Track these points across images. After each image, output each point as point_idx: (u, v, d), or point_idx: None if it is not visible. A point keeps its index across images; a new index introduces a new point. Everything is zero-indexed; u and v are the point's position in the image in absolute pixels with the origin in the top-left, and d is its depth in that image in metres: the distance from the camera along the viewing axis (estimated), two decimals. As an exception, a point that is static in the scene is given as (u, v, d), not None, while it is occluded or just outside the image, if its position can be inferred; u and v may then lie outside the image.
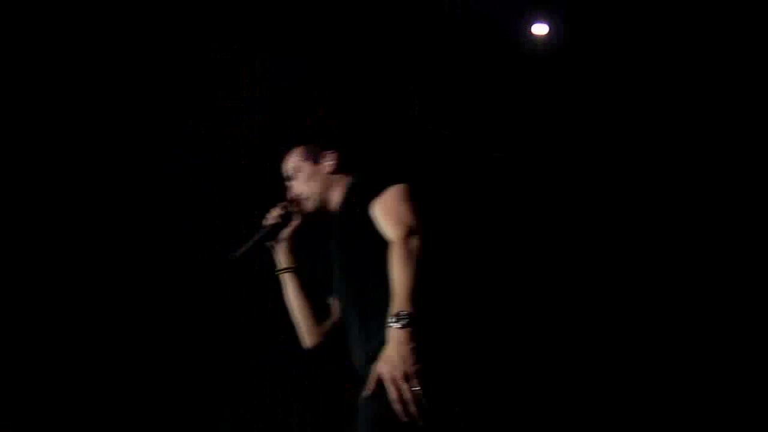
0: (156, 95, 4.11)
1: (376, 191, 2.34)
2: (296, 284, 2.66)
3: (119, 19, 3.91)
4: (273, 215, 2.63)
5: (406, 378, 2.05)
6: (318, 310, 2.65)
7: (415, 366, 2.05)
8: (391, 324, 2.09)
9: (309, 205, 2.62)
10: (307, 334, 2.66)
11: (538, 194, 4.50)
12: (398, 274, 2.15)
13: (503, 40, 4.34)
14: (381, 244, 2.25)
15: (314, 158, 2.65)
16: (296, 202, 2.63)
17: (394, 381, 2.05)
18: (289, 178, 2.67)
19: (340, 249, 2.48)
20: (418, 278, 2.14)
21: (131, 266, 4.25)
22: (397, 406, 2.06)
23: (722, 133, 4.34)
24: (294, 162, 2.67)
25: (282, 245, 2.66)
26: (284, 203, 2.63)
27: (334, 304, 2.64)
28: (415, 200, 2.30)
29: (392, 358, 2.07)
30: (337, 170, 2.63)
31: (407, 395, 2.05)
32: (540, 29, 4.32)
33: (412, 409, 2.05)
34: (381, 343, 2.15)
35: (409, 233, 2.20)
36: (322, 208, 2.62)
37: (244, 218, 2.88)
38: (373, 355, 2.22)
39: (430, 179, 2.49)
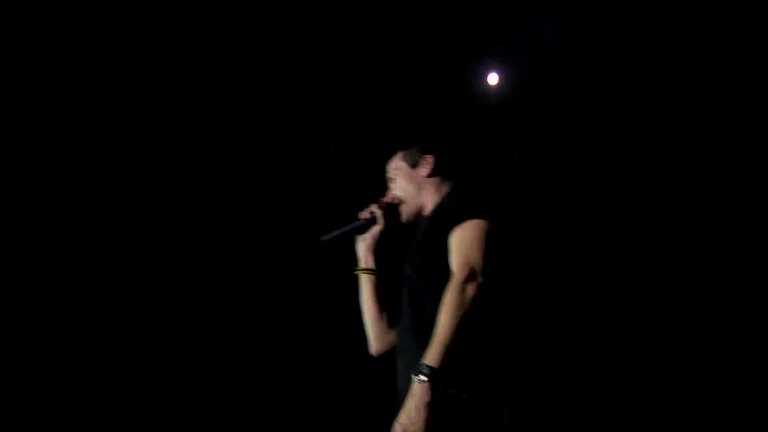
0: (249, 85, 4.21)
1: (459, 218, 2.31)
2: (373, 286, 2.61)
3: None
4: (369, 210, 2.59)
5: None
6: (392, 318, 2.57)
7: (424, 425, 2.01)
8: (414, 375, 2.06)
9: (403, 209, 2.61)
10: (374, 339, 2.60)
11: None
12: (443, 320, 2.12)
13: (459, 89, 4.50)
14: (448, 276, 2.23)
15: (412, 161, 2.64)
16: (392, 203, 2.62)
17: None
18: (389, 180, 2.66)
19: (411, 267, 2.44)
20: (463, 331, 2.10)
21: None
22: None
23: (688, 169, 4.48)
24: (395, 164, 2.67)
25: (368, 243, 2.63)
26: (381, 202, 2.62)
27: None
28: (493, 241, 2.26)
29: (408, 413, 2.04)
30: (433, 175, 2.61)
31: None
32: (492, 79, 4.52)
33: None
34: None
35: (470, 278, 2.16)
36: (413, 214, 2.61)
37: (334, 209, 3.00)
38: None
39: (512, 216, 2.46)
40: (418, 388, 2.05)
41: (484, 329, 2.23)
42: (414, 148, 2.67)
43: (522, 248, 2.52)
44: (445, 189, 2.60)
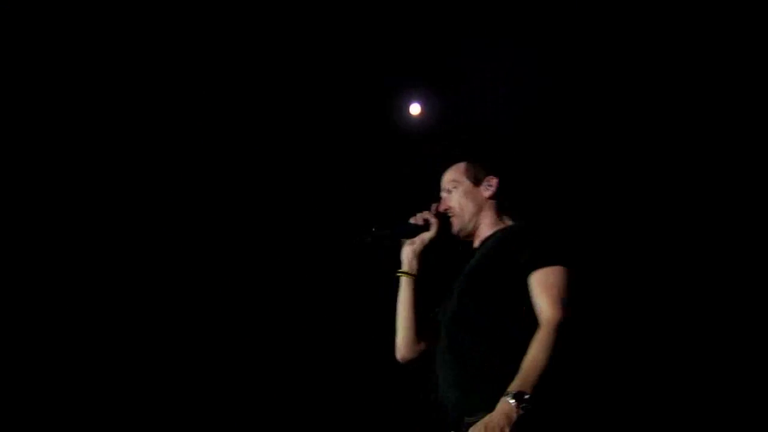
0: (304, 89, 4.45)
1: (542, 260, 2.34)
2: (412, 292, 2.62)
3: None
4: (421, 216, 2.63)
5: None
6: (423, 327, 2.60)
7: None
8: (508, 399, 2.13)
9: (455, 223, 2.62)
10: (403, 345, 2.62)
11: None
12: (538, 353, 2.18)
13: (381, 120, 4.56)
14: (510, 307, 2.31)
15: (476, 178, 2.65)
16: (445, 214, 2.65)
17: None
18: (445, 190, 2.69)
19: (468, 283, 2.47)
20: (551, 367, 2.19)
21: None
22: None
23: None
24: (455, 176, 2.67)
25: (415, 248, 2.63)
26: (435, 210, 2.65)
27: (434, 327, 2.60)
28: (574, 288, 2.33)
29: (493, 428, 2.11)
30: (494, 198, 2.63)
31: None
32: (414, 109, 4.54)
33: None
34: (482, 402, 2.19)
35: (566, 322, 2.25)
36: (466, 230, 2.62)
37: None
38: (470, 409, 2.27)
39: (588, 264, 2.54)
40: (508, 409, 2.11)
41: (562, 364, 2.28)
42: (479, 164, 2.68)
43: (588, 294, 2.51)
44: (506, 217, 2.62)
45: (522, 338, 2.22)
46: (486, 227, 2.58)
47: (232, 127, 4.51)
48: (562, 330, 2.20)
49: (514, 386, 2.13)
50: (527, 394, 2.11)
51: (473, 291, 2.40)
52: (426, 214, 2.61)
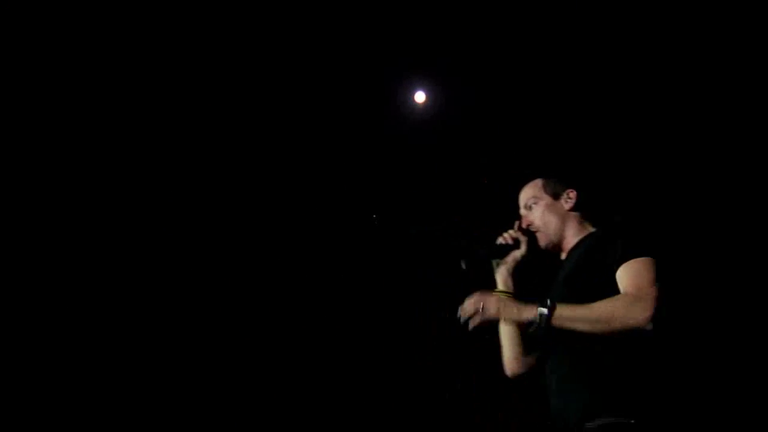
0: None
1: (627, 255, 2.41)
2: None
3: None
4: (508, 235, 2.69)
5: None
6: (528, 340, 2.64)
7: None
8: (538, 305, 2.32)
9: (541, 238, 2.70)
10: (510, 361, 2.69)
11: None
12: (601, 305, 2.29)
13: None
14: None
15: (554, 193, 2.73)
16: (529, 231, 2.72)
17: None
18: (526, 207, 2.75)
19: (567, 291, 2.50)
20: (601, 331, 2.28)
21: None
22: None
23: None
24: (534, 192, 2.75)
25: (509, 267, 2.70)
26: (520, 228, 2.71)
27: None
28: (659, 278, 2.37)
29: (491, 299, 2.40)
30: (575, 209, 2.72)
31: None
32: (419, 97, 4.57)
33: None
34: (602, 407, 2.26)
35: (642, 300, 2.29)
36: (553, 243, 2.70)
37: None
38: (589, 414, 2.30)
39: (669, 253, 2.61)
40: (524, 307, 2.36)
41: (648, 359, 2.35)
42: (554, 179, 2.76)
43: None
44: (588, 225, 2.71)
45: (628, 335, 2.28)
46: (571, 237, 2.67)
47: (234, 122, 4.55)
48: (637, 306, 2.26)
49: (556, 305, 2.29)
50: (549, 315, 2.27)
51: (573, 298, 2.42)
52: (514, 233, 2.68)
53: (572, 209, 2.69)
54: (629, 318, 2.26)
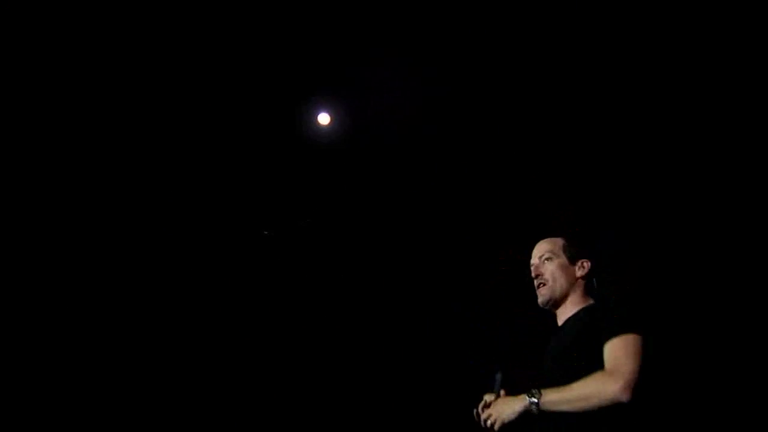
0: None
1: (611, 330, 2.54)
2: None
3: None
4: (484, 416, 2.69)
5: None
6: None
7: None
8: (527, 396, 2.49)
9: (545, 292, 2.81)
10: None
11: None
12: (582, 385, 2.47)
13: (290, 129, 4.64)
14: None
15: (570, 257, 2.85)
16: (538, 281, 2.83)
17: None
18: (540, 258, 2.86)
19: (559, 371, 2.62)
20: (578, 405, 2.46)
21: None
22: None
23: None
24: (552, 248, 2.86)
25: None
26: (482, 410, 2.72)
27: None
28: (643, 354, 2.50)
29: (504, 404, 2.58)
30: (584, 278, 2.83)
31: None
32: (323, 119, 4.63)
33: None
34: None
35: (625, 386, 2.43)
36: (554, 301, 2.81)
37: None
38: None
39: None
40: (521, 402, 2.52)
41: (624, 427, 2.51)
42: (575, 245, 2.87)
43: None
44: (589, 297, 2.82)
45: (608, 408, 2.47)
46: (571, 305, 2.81)
47: (141, 132, 4.49)
48: (612, 381, 2.45)
49: (543, 392, 2.50)
50: (539, 403, 2.48)
51: (563, 377, 2.57)
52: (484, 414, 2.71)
53: (582, 278, 2.83)
54: (603, 393, 2.45)
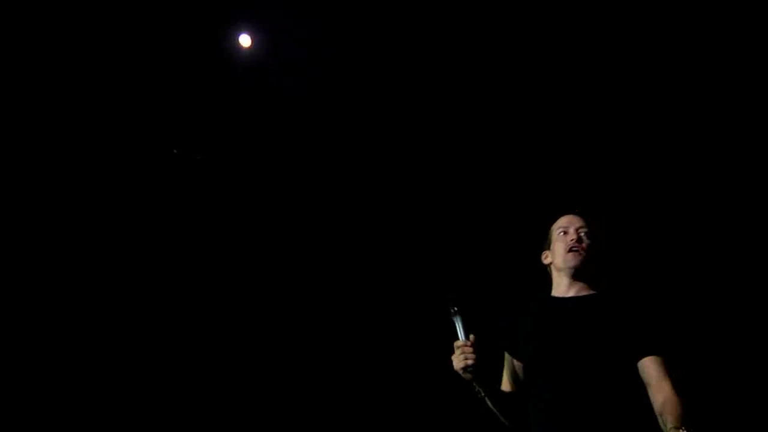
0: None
1: (653, 347, 2.64)
2: (495, 395, 2.78)
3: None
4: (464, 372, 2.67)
5: None
6: (514, 399, 2.80)
7: None
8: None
9: (580, 259, 2.83)
10: (508, 419, 2.82)
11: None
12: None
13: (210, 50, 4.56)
14: (629, 383, 2.61)
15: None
16: (582, 250, 2.84)
17: None
18: (584, 231, 2.88)
19: (584, 350, 2.66)
20: None
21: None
22: None
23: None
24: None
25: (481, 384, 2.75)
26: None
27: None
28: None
29: None
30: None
31: None
32: (245, 41, 4.56)
33: None
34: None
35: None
36: (583, 269, 2.83)
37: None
38: None
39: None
40: None
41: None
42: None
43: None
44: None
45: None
46: (592, 280, 2.86)
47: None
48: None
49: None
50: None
51: (595, 365, 2.64)
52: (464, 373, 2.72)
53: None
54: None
